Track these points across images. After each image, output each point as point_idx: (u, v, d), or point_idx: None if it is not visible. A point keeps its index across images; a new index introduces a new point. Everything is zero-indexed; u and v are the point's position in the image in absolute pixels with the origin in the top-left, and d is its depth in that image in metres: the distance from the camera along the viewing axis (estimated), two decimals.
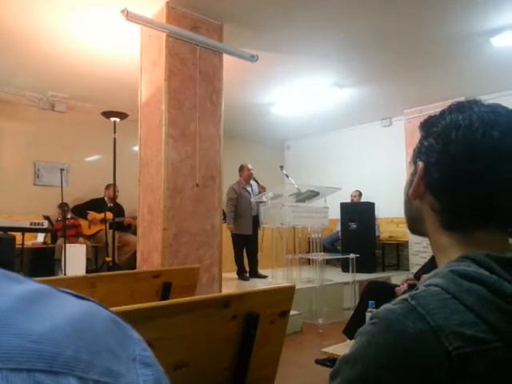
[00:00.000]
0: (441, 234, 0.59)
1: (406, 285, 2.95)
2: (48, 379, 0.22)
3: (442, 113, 0.61)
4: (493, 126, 0.55)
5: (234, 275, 5.57)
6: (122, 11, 3.24)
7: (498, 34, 4.10)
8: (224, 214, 5.51)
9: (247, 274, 5.56)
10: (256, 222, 5.73)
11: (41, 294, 0.26)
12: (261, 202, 5.70)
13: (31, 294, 0.26)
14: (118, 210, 5.77)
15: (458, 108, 0.59)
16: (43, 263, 5.45)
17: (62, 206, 5.16)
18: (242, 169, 5.79)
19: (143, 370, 0.28)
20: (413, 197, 0.62)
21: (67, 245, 4.91)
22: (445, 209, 0.58)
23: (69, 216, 5.66)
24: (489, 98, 5.45)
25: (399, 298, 0.51)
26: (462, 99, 0.61)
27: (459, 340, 0.45)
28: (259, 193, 5.74)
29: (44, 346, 0.23)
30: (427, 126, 0.62)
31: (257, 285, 5.16)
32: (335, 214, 6.48)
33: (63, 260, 4.80)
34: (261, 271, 5.68)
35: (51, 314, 0.25)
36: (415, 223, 0.65)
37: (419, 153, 0.62)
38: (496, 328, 0.46)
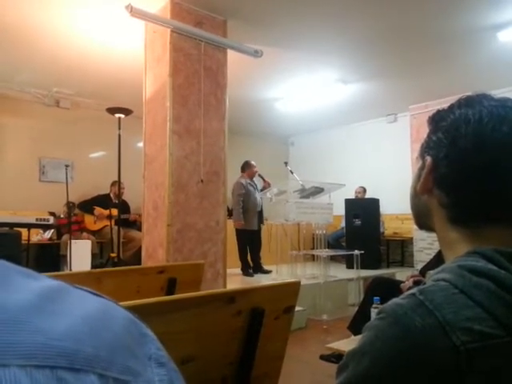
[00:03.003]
0: (448, 229, 0.59)
1: (411, 281, 2.94)
2: (70, 376, 0.22)
3: (451, 107, 0.60)
4: (502, 120, 0.54)
5: (238, 271, 5.58)
6: (126, 7, 3.24)
7: (504, 28, 4.07)
8: (228, 210, 5.52)
9: (251, 270, 5.57)
10: (260, 217, 5.74)
11: (58, 292, 0.27)
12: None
13: (49, 291, 0.26)
14: (124, 207, 5.79)
15: (467, 102, 0.59)
16: (49, 259, 5.49)
17: (68, 205, 5.21)
18: (246, 165, 5.77)
19: (158, 369, 0.28)
20: (421, 191, 0.61)
21: (72, 240, 4.93)
22: (453, 203, 0.57)
23: (72, 213, 5.69)
24: (496, 93, 5.36)
25: (407, 293, 0.51)
26: (470, 94, 0.61)
27: (467, 335, 0.45)
28: (263, 188, 5.74)
29: (65, 343, 0.23)
30: (436, 120, 0.61)
31: (261, 280, 5.17)
32: (340, 210, 6.46)
33: (69, 255, 4.83)
34: (267, 267, 5.70)
35: (69, 311, 0.25)
36: (422, 218, 0.64)
37: (427, 147, 0.61)
38: (504, 323, 0.46)
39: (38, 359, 0.22)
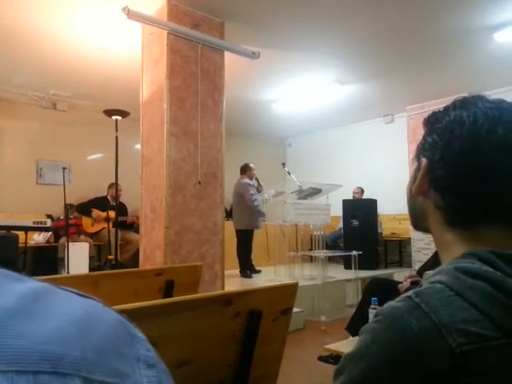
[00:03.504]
0: (444, 231, 0.59)
1: (408, 281, 2.94)
2: (54, 381, 0.22)
3: (446, 109, 0.60)
4: (497, 122, 0.54)
5: (236, 272, 5.58)
6: (123, 9, 3.24)
7: (500, 29, 4.08)
8: (226, 212, 5.53)
9: (249, 271, 5.59)
10: None
11: (43, 293, 0.26)
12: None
13: (34, 293, 0.25)
14: (121, 209, 5.78)
15: (462, 104, 0.59)
16: (46, 262, 5.47)
17: (66, 207, 5.19)
18: (247, 168, 5.85)
19: (147, 370, 0.27)
20: (416, 193, 0.61)
21: (70, 243, 4.92)
22: (448, 205, 0.57)
23: (72, 216, 5.68)
24: (492, 94, 5.38)
25: (403, 296, 0.51)
26: (465, 95, 0.61)
27: (463, 337, 0.45)
28: (258, 191, 5.80)
29: (49, 346, 0.22)
30: (431, 122, 0.61)
31: (258, 282, 5.16)
32: (337, 210, 6.47)
33: (66, 258, 4.81)
34: (265, 268, 5.70)
35: (55, 313, 0.25)
36: (419, 220, 0.64)
37: (423, 149, 0.61)
38: (500, 325, 0.46)
39: (21, 364, 0.21)
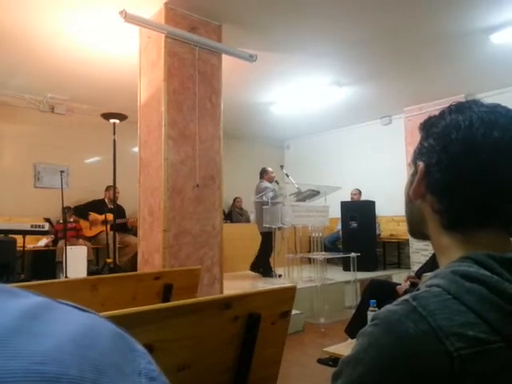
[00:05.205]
0: (442, 235, 0.59)
1: (407, 283, 2.95)
2: None
3: (442, 113, 0.61)
4: (493, 126, 0.55)
5: (241, 274, 5.58)
6: (121, 12, 3.24)
7: (496, 31, 4.10)
8: (225, 214, 5.53)
9: (271, 272, 5.60)
10: None
11: (41, 310, 0.25)
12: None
13: (31, 310, 0.25)
14: (119, 212, 5.77)
15: (457, 108, 0.59)
16: (44, 266, 5.45)
17: (64, 210, 5.17)
18: (264, 172, 5.93)
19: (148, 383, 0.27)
20: (413, 197, 0.62)
21: (68, 247, 4.90)
22: (445, 209, 0.58)
23: (72, 219, 5.67)
24: (488, 95, 5.42)
25: (400, 299, 0.51)
26: (462, 96, 0.61)
27: (461, 341, 0.45)
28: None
29: (47, 367, 0.22)
30: (427, 126, 0.62)
31: (257, 285, 5.16)
32: (336, 212, 6.47)
33: (64, 262, 4.80)
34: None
35: (53, 330, 0.24)
36: (416, 224, 0.64)
37: (419, 154, 0.62)
38: (497, 328, 0.46)
39: None
